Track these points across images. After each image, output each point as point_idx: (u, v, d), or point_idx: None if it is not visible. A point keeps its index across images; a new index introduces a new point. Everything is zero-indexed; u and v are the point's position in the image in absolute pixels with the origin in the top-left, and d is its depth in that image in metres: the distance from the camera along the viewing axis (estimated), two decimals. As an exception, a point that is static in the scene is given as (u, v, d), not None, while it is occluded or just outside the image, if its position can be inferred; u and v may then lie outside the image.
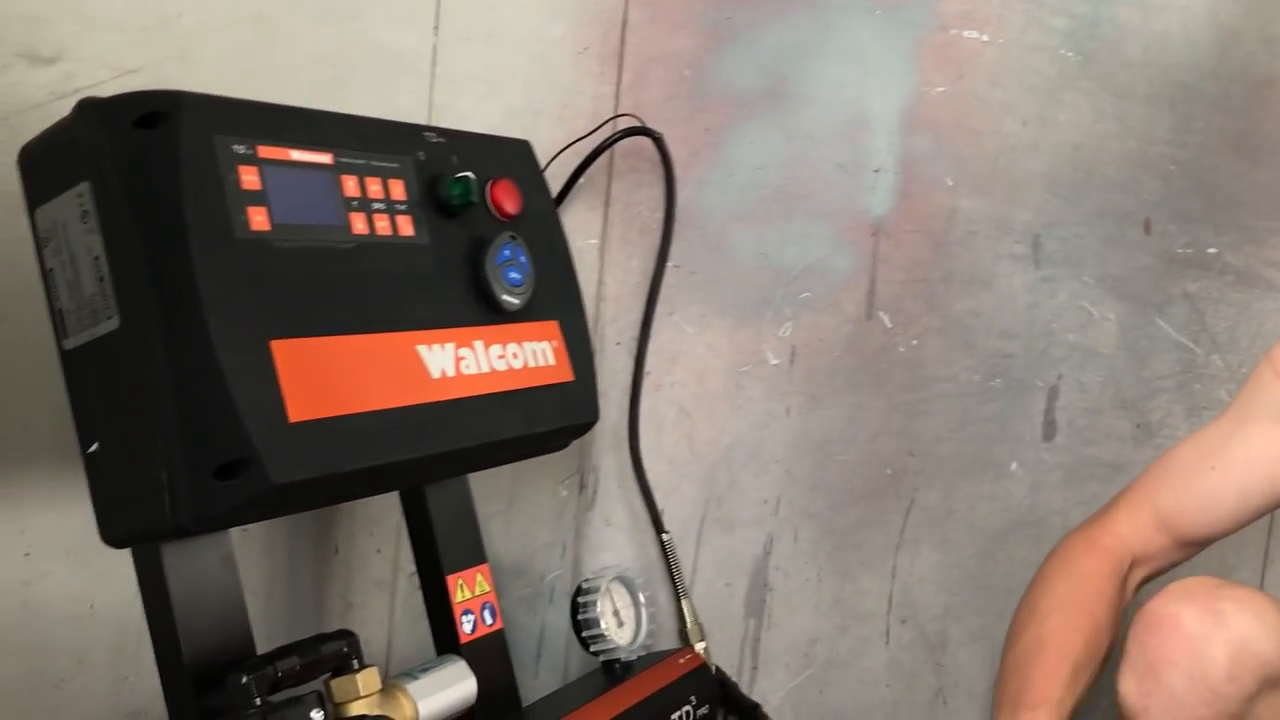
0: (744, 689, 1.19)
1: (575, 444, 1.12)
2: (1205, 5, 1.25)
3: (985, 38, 1.18)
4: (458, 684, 0.86)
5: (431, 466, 0.84)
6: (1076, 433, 1.27)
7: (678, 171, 1.09)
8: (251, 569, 1.03)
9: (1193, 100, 1.26)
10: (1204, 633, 0.88)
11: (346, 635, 0.79)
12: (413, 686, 0.82)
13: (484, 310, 0.87)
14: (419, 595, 0.97)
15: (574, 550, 1.15)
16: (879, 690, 1.24)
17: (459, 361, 0.84)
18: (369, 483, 0.79)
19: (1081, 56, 1.21)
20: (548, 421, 0.91)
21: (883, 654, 1.24)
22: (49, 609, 1.01)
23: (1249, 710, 0.90)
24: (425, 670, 0.85)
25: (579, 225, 1.08)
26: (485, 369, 0.86)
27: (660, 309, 1.12)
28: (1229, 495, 1.01)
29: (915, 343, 1.20)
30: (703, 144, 1.12)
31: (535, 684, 1.10)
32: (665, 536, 1.15)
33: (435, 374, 0.81)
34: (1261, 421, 1.00)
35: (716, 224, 1.14)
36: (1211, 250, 1.30)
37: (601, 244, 1.10)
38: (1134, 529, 1.03)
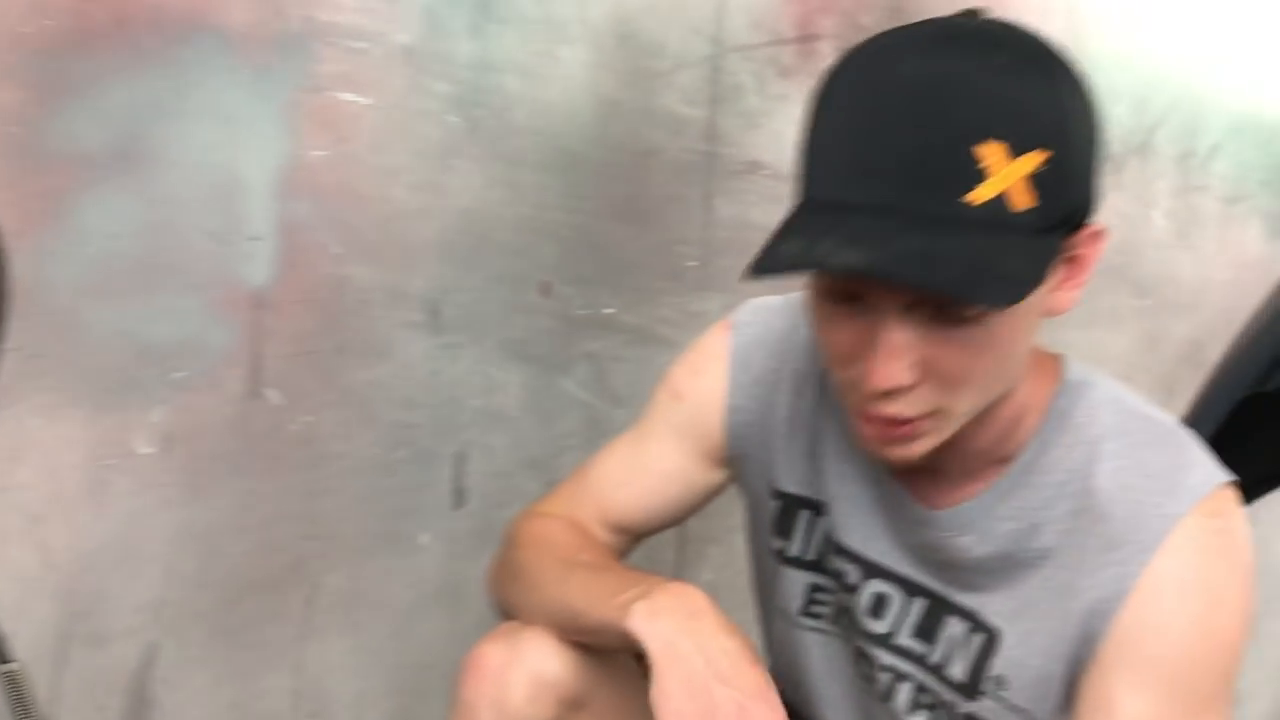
0: (126, 822, 1.05)
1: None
2: (585, 77, 1.30)
3: (366, 101, 1.14)
4: None
5: None
6: (487, 496, 1.27)
7: (10, 241, 0.94)
8: None
9: (581, 167, 1.30)
10: (504, 666, 0.92)
11: None
12: None
13: None
14: None
15: (-111, 696, 0.95)
16: (291, 793, 1.15)
17: None
18: None
19: (469, 123, 1.21)
20: None
21: (293, 754, 1.16)
22: None
23: None
24: None
25: None
26: None
27: (-5, 401, 0.97)
28: (638, 513, 1.03)
29: (310, 419, 1.14)
30: (41, 210, 0.98)
31: None
32: (12, 666, 0.99)
33: None
34: (659, 440, 1.03)
35: (65, 300, 1.00)
36: (608, 311, 1.35)
37: (-92, 328, 0.93)
38: (587, 522, 1.02)
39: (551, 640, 0.95)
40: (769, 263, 0.73)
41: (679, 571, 1.47)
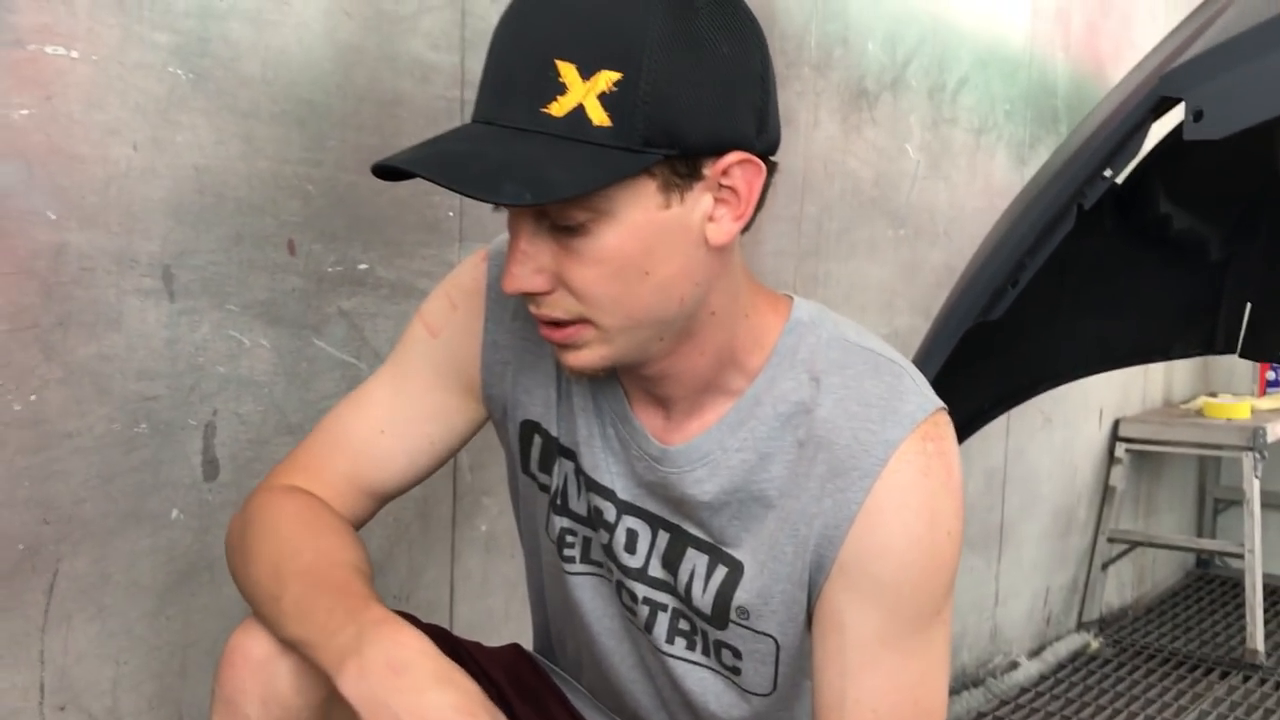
0: None
1: None
2: (322, 23, 1.25)
3: (74, 54, 1.06)
4: None
5: None
6: (241, 466, 1.22)
7: None
8: None
9: (322, 118, 1.26)
10: (268, 657, 0.89)
11: None
12: None
13: None
14: None
15: None
16: (44, 790, 1.10)
17: None
18: None
19: (194, 74, 1.15)
20: None
21: (43, 750, 1.10)
22: None
23: (326, 717, 0.91)
24: None
25: None
26: None
27: None
28: (400, 458, 1.00)
29: (33, 398, 1.06)
30: None
31: None
32: None
33: None
34: (417, 376, 1.01)
35: None
36: (362, 266, 1.31)
37: None
38: (324, 489, 0.98)
39: None
40: (375, 166, 0.79)
41: (456, 526, 1.47)
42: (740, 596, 0.92)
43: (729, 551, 0.92)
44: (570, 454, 0.98)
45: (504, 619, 1.54)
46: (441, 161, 0.78)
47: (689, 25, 0.77)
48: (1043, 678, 2.79)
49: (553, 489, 1.00)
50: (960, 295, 1.29)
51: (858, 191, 2.12)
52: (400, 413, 1.01)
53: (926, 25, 2.24)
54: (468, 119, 0.83)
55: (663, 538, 0.95)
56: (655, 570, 0.96)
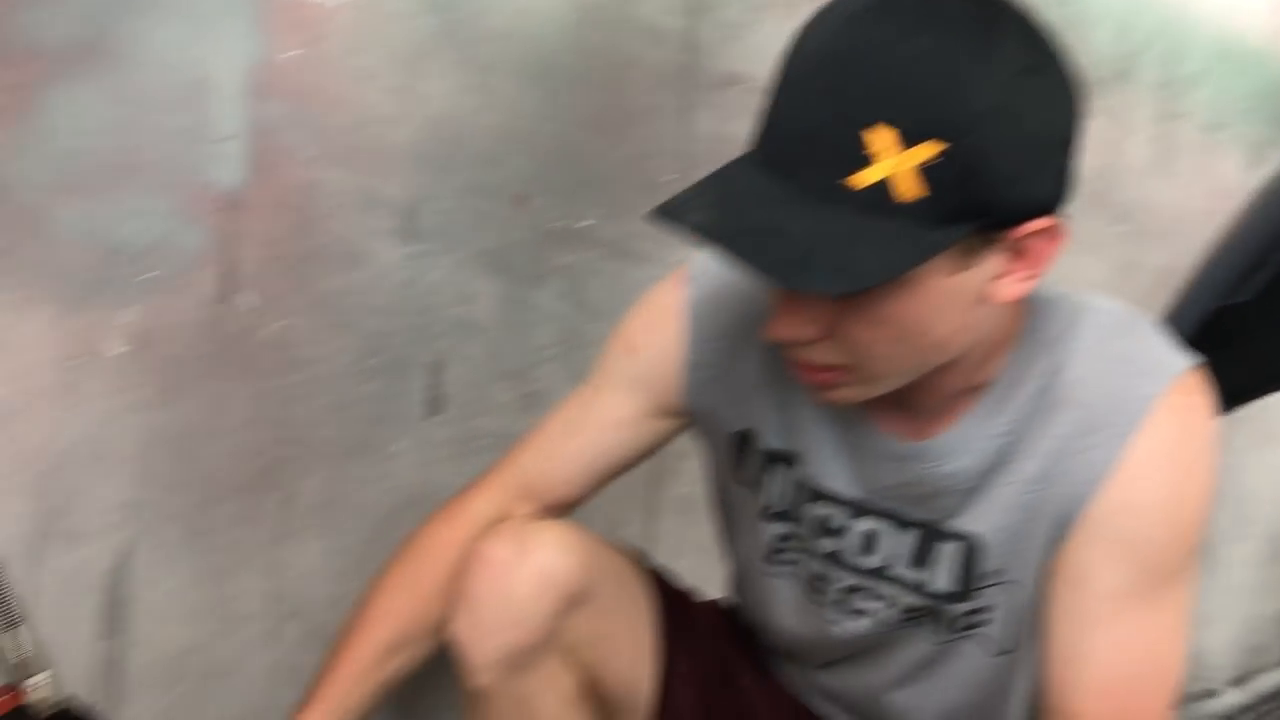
0: (108, 716, 1.06)
1: None
2: (563, -17, 1.28)
3: (339, 1, 1.12)
4: None
5: None
6: (462, 406, 1.27)
7: (-24, 136, 0.93)
8: None
9: (556, 75, 1.29)
10: (511, 561, 0.94)
11: None
12: None
13: None
14: None
15: None
16: (270, 692, 1.17)
17: None
18: None
19: (444, 26, 1.20)
20: None
21: (270, 654, 1.17)
22: None
23: (558, 626, 0.96)
24: None
25: None
26: None
27: (-37, 298, 0.96)
28: (584, 458, 1.04)
29: (282, 324, 1.13)
30: (6, 105, 0.97)
31: None
32: (-13, 560, 0.99)
33: None
34: (612, 390, 1.04)
35: (30, 197, 0.99)
36: (584, 224, 1.35)
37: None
38: (493, 499, 1.04)
39: (558, 536, 0.97)
40: (659, 209, 0.76)
41: (654, 487, 1.49)
42: (984, 567, 0.91)
43: (975, 531, 0.91)
44: (790, 462, 0.98)
45: (693, 582, 1.55)
46: (738, 231, 0.73)
47: (1020, 92, 0.73)
48: (1244, 709, 2.63)
49: (764, 497, 1.01)
50: (1204, 275, 1.23)
51: (1077, 183, 2.04)
52: (589, 418, 1.04)
53: (1161, 15, 2.14)
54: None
55: (908, 535, 0.94)
56: (898, 568, 0.96)
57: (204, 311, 1.09)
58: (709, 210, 0.75)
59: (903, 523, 0.94)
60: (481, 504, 1.04)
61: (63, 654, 1.04)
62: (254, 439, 1.14)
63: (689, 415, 1.04)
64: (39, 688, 0.98)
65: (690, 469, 1.52)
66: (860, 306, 0.77)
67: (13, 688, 0.96)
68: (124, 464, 1.07)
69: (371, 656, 1.00)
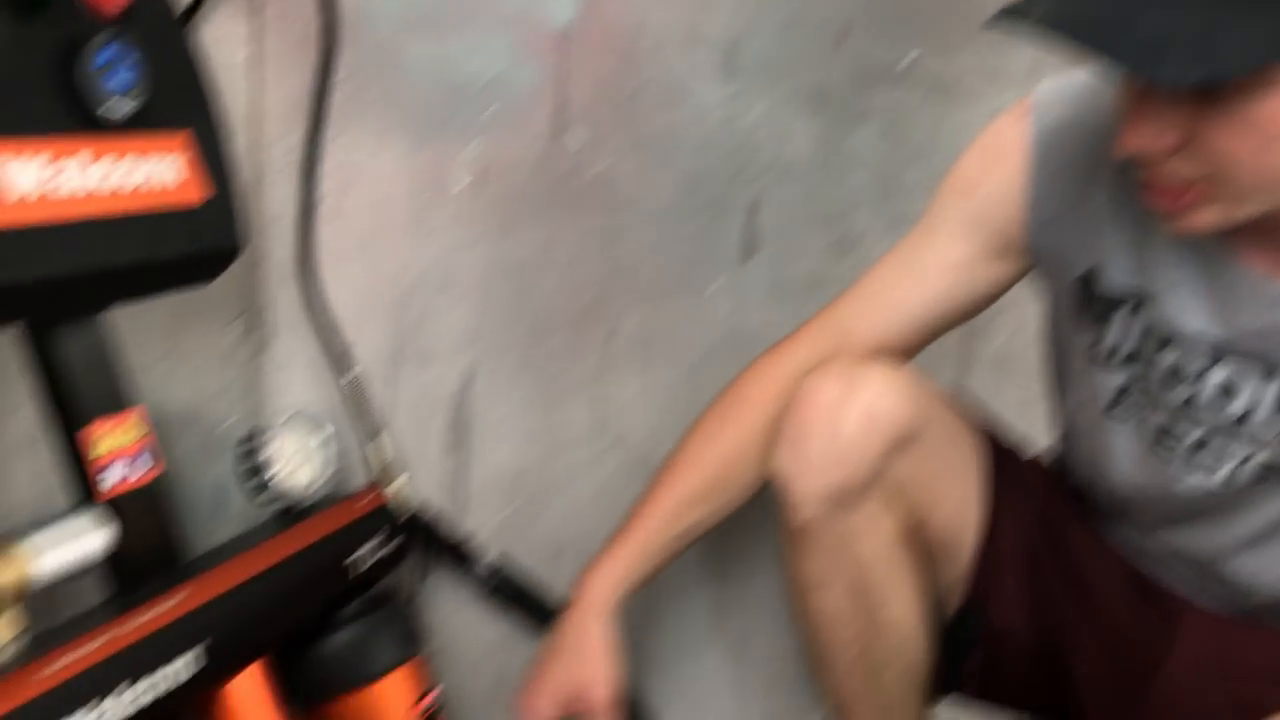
0: (451, 526, 1.16)
1: (243, 281, 1.04)
2: None
3: None
4: (83, 536, 0.79)
5: (30, 299, 0.75)
6: (777, 250, 1.27)
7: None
8: None
9: (883, -95, 1.24)
10: (839, 400, 0.94)
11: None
12: (25, 543, 0.74)
13: (81, 120, 0.76)
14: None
15: (250, 396, 1.07)
16: (592, 516, 1.23)
17: (51, 179, 0.74)
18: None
19: None
20: (174, 248, 0.83)
21: (593, 480, 1.23)
22: None
23: (884, 467, 0.95)
24: (43, 526, 0.77)
25: (224, 36, 0.97)
26: (86, 188, 0.76)
27: (330, 130, 1.04)
28: (912, 307, 1.02)
29: (608, 163, 1.16)
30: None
31: (213, 540, 1.04)
32: (352, 375, 1.09)
33: (16, 194, 0.71)
34: (944, 234, 1.01)
35: (386, 34, 1.05)
36: (906, 62, 1.30)
37: (256, 57, 1.00)
38: (812, 351, 1.03)
39: (887, 377, 0.97)
40: (1001, 11, 0.72)
41: (968, 340, 1.44)
42: None
43: None
44: (1140, 304, 0.92)
45: (1003, 444, 1.51)
46: (1087, 21, 0.69)
47: None
48: None
49: (1108, 342, 0.95)
50: None
51: None
52: (920, 261, 1.01)
53: None
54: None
55: (1271, 385, 0.87)
56: (1257, 420, 0.89)
57: (537, 148, 1.13)
58: (1054, 5, 0.71)
59: (1267, 370, 0.87)
60: (800, 356, 1.03)
61: (414, 465, 1.13)
62: (581, 275, 1.18)
63: (1030, 257, 0.99)
64: (397, 493, 1.07)
65: (1006, 323, 1.47)
66: (1220, 107, 0.71)
67: (375, 488, 1.06)
68: (467, 294, 1.13)
69: (676, 505, 1.03)
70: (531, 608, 1.19)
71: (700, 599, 1.30)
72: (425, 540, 1.14)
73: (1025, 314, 1.42)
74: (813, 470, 0.95)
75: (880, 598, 1.00)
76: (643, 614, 1.26)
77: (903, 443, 0.96)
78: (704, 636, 1.32)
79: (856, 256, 1.30)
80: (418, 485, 1.13)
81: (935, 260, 1.01)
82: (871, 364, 0.98)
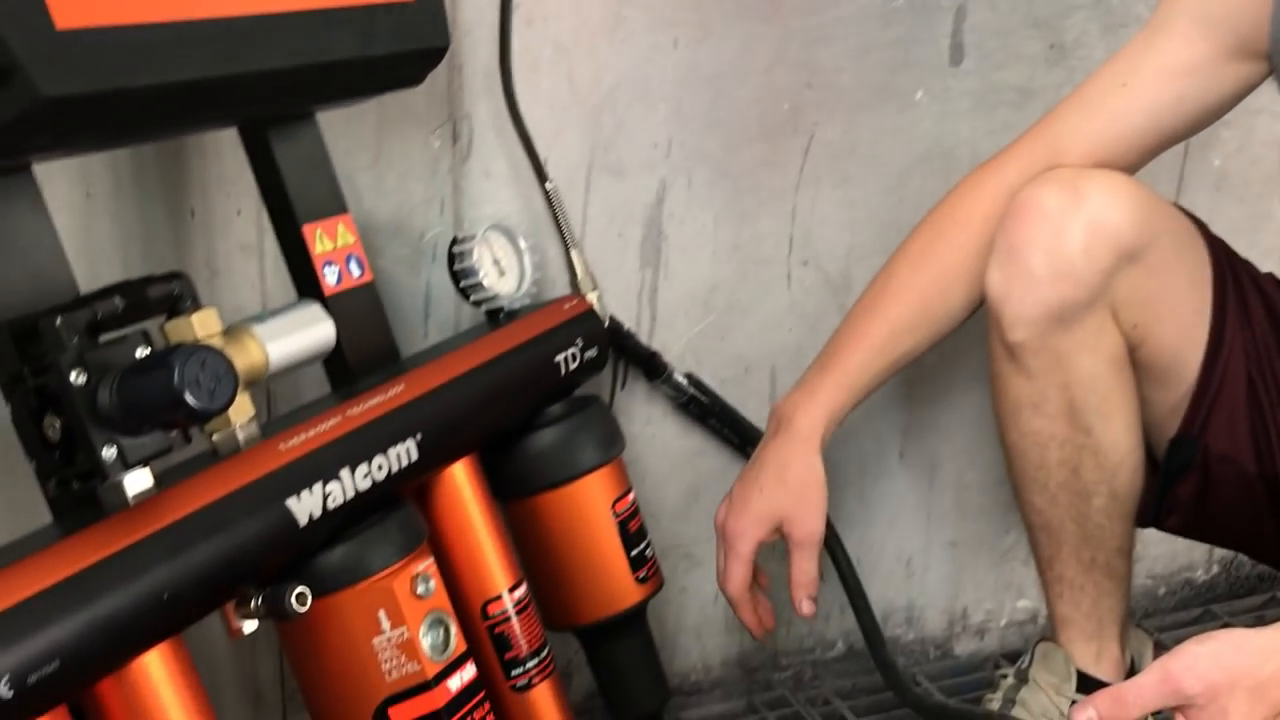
0: (643, 339, 1.16)
1: (444, 90, 1.05)
2: None
3: None
4: (312, 327, 0.82)
5: (246, 93, 0.76)
6: (985, 56, 1.20)
7: None
8: (100, 236, 0.96)
9: None
10: (1062, 211, 0.89)
11: (177, 276, 0.74)
12: (260, 329, 0.78)
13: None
14: (289, 260, 0.91)
15: (453, 205, 1.08)
16: (781, 334, 1.22)
17: (270, -29, 0.75)
18: (171, 109, 0.72)
19: None
20: (386, 44, 0.83)
21: (784, 297, 1.21)
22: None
23: (1107, 283, 0.91)
24: (276, 313, 0.81)
25: None
26: (304, -20, 0.76)
27: (526, -69, 1.02)
28: (1137, 115, 0.95)
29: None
30: None
31: (425, 344, 1.07)
32: (549, 186, 1.09)
33: (235, -16, 0.72)
34: (1176, 34, 0.93)
35: None
36: None
37: None
38: (1027, 167, 0.96)
39: (1114, 186, 0.91)
40: None
41: (1186, 158, 1.35)
42: None
43: None
44: None
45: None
46: None
47: None
48: None
49: None
50: None
51: None
52: (1144, 72, 0.93)
53: None
54: None
55: None
56: None
57: (736, -53, 1.08)
58: None
59: None
60: (1011, 173, 0.97)
61: (607, 279, 1.13)
62: (779, 82, 1.14)
63: (1270, 63, 0.90)
64: (594, 304, 1.08)
65: (1229, 140, 1.36)
66: None
67: (578, 296, 1.07)
68: (663, 102, 1.11)
69: (886, 335, 1.00)
70: (720, 424, 1.20)
71: (892, 421, 1.29)
72: (618, 352, 1.15)
73: (1250, 129, 1.32)
74: (1031, 286, 0.91)
75: (1094, 420, 0.97)
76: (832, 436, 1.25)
77: (1129, 257, 0.91)
78: (894, 459, 1.31)
79: (1071, 64, 1.21)
80: (610, 299, 1.13)
81: (1163, 65, 0.93)
82: (1097, 172, 0.92)
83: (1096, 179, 0.91)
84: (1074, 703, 1.02)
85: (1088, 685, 1.03)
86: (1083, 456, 0.98)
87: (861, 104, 1.17)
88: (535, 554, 0.97)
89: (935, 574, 1.36)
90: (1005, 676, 1.10)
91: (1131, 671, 1.07)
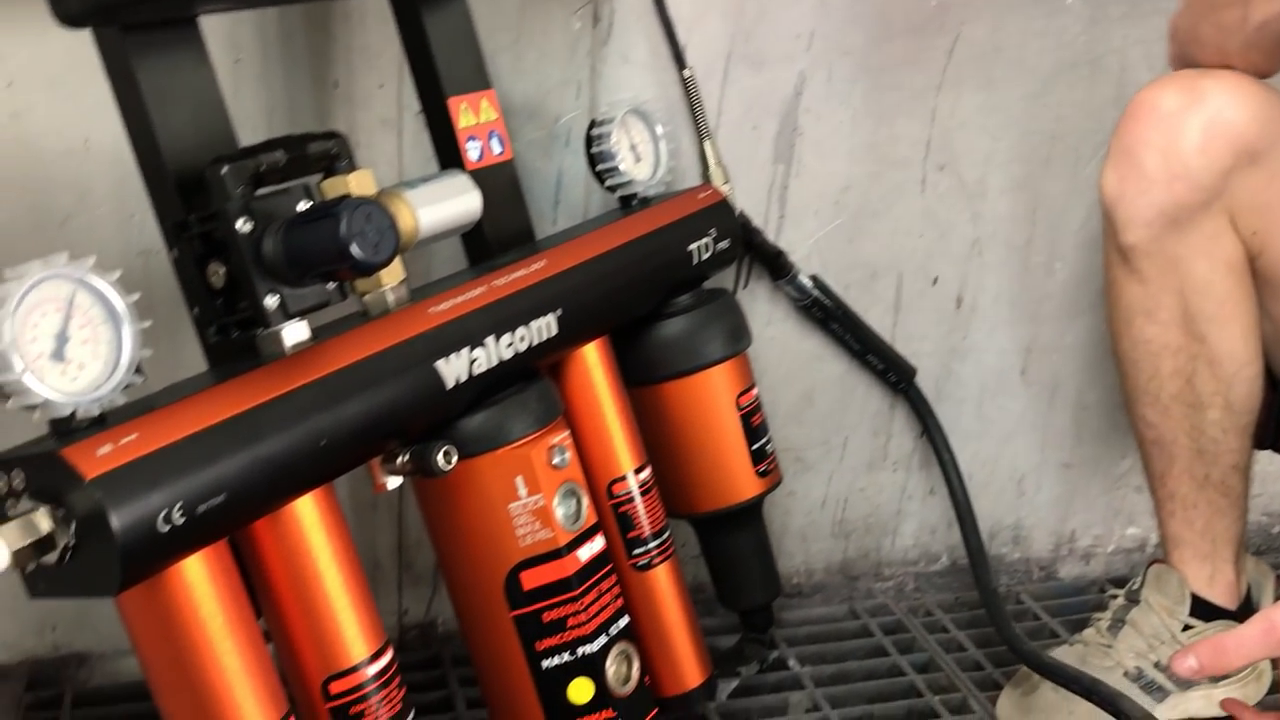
0: (770, 237, 1.15)
1: (587, -31, 1.03)
2: None
3: None
4: (460, 196, 0.82)
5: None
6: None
7: None
8: (246, 102, 0.97)
9: None
10: (1180, 110, 0.87)
11: (334, 135, 0.75)
12: (411, 194, 0.78)
13: None
14: (428, 136, 0.92)
15: (589, 90, 1.08)
16: (911, 240, 1.20)
17: None
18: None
19: None
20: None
21: (917, 202, 1.19)
22: (42, 143, 0.98)
23: (1225, 185, 0.88)
24: (426, 180, 0.81)
25: None
26: None
27: None
28: None
29: None
30: None
31: (554, 229, 1.07)
32: (687, 73, 1.07)
33: None
34: None
35: None
36: None
37: None
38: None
39: (1234, 85, 0.88)
40: None
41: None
42: None
43: None
44: None
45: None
46: None
47: None
48: None
49: None
50: None
51: None
52: None
53: None
54: None
55: None
56: None
57: None
58: None
59: None
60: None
61: (738, 172, 1.12)
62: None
63: None
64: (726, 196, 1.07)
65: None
66: None
67: (712, 186, 1.06)
68: (807, -8, 1.08)
69: None
70: (842, 330, 1.18)
71: (1017, 338, 1.26)
72: (746, 248, 1.14)
73: None
74: (1145, 187, 0.89)
75: (1209, 328, 0.93)
76: (955, 350, 1.23)
77: (1249, 158, 0.88)
78: (1015, 377, 1.28)
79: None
80: (739, 193, 1.12)
81: None
82: (1220, 72, 0.88)
83: (1219, 78, 0.88)
84: (1187, 627, 1.01)
85: (1201, 609, 1.01)
86: (1197, 366, 0.95)
87: (1011, 5, 1.13)
88: (659, 441, 0.98)
89: (1046, 494, 1.34)
90: (1115, 597, 1.08)
91: (1248, 600, 1.05)
